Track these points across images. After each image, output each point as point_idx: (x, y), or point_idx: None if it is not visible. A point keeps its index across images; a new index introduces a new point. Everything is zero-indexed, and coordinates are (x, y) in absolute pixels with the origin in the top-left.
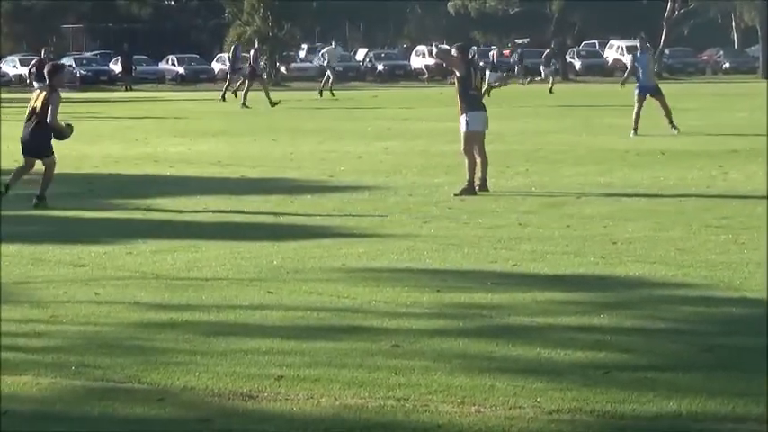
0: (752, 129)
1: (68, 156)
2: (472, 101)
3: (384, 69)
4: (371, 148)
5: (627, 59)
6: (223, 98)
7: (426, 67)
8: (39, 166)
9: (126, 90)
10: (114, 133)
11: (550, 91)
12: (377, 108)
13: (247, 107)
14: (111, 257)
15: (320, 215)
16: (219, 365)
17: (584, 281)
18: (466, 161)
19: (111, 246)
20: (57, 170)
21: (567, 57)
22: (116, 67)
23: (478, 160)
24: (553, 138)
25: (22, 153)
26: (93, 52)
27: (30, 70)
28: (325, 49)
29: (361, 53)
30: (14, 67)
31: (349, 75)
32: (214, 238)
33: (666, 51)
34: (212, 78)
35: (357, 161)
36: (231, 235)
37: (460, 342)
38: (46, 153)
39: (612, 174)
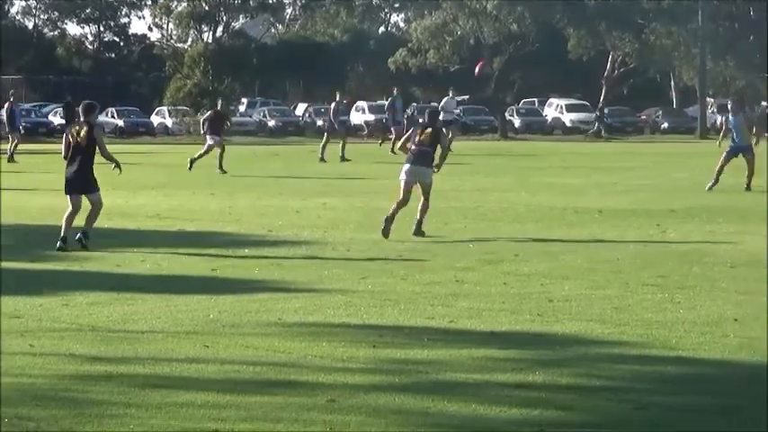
0: (689, 189)
1: (6, 206)
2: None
3: (323, 125)
4: (310, 203)
5: (566, 118)
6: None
7: (366, 122)
8: None
9: None
10: (53, 184)
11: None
12: (316, 164)
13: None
14: (46, 309)
15: (257, 269)
16: (154, 418)
17: (520, 338)
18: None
19: (47, 297)
20: None
21: (507, 114)
22: (55, 118)
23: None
24: (492, 195)
25: (69, 192)
26: (33, 104)
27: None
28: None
29: (300, 108)
30: None
31: (288, 129)
32: (151, 290)
33: (606, 110)
34: (151, 131)
35: (295, 216)
36: (168, 288)
37: (396, 398)
38: (92, 189)
39: (550, 232)
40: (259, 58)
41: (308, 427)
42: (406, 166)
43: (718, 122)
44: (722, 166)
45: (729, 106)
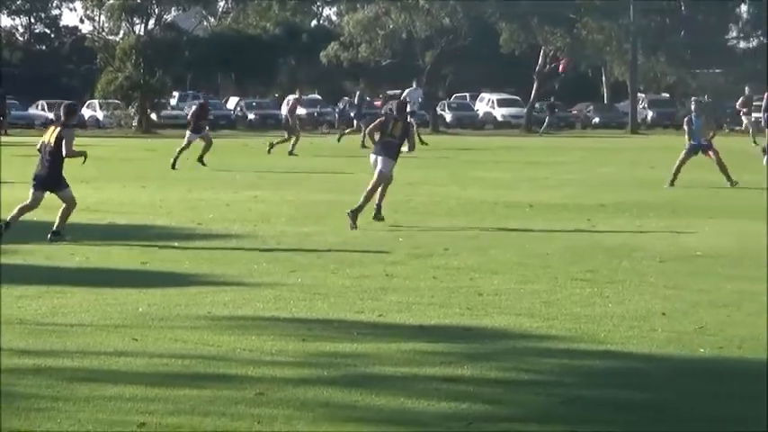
0: (620, 183)
1: None
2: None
3: (255, 118)
4: (241, 197)
5: (498, 112)
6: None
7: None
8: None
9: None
10: None
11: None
12: (247, 157)
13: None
14: None
15: (187, 263)
16: (82, 412)
17: (449, 332)
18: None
19: None
20: None
21: (438, 109)
22: None
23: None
24: (423, 189)
25: (37, 189)
26: None
27: None
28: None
29: (232, 102)
30: None
31: (220, 123)
32: (80, 284)
33: (537, 105)
34: (82, 124)
35: (226, 209)
36: (97, 281)
37: (325, 391)
38: (62, 186)
39: (481, 226)
40: (191, 51)
41: (235, 420)
42: (373, 157)
43: (684, 123)
44: (681, 164)
45: (693, 107)
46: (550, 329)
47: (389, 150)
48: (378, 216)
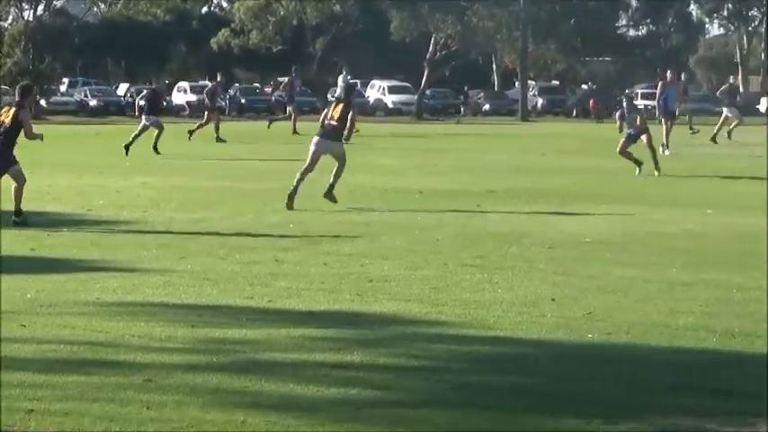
0: (510, 170)
1: None
2: None
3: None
4: (130, 183)
5: (388, 99)
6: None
7: (188, 103)
8: None
9: None
10: None
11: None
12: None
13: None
14: None
15: (76, 249)
16: None
17: (339, 318)
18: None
19: None
20: None
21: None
22: None
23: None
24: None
25: None
26: None
27: None
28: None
29: (122, 88)
30: None
31: (110, 109)
32: None
33: (428, 92)
34: None
35: (115, 195)
36: None
37: (214, 377)
38: (12, 164)
39: (370, 212)
40: (81, 37)
41: (124, 406)
42: (316, 139)
43: (620, 115)
44: (628, 151)
45: (624, 103)
46: (440, 315)
47: (330, 133)
48: (329, 195)
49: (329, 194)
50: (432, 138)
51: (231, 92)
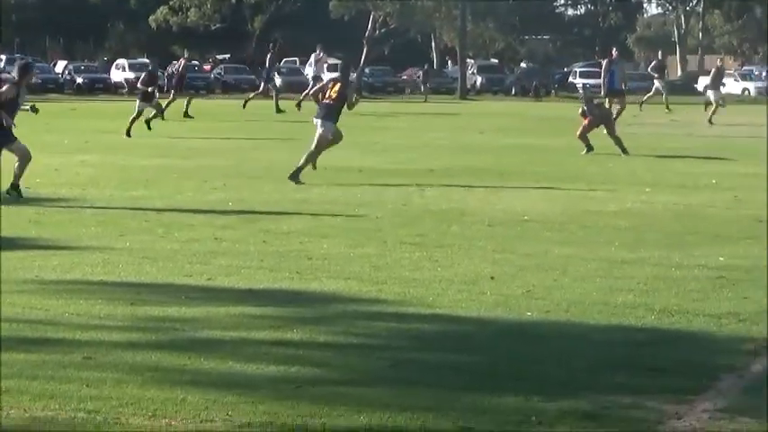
0: (449, 148)
1: None
2: None
3: (84, 82)
4: (69, 161)
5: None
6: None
7: (126, 80)
8: None
9: None
10: None
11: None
12: (75, 121)
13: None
14: None
15: (15, 227)
16: None
17: (278, 296)
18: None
19: None
20: None
21: (275, 74)
22: None
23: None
24: (253, 154)
25: None
26: None
27: None
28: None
29: (60, 65)
30: None
31: (48, 87)
32: None
33: (367, 70)
34: None
35: (54, 173)
36: None
37: (153, 355)
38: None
39: (310, 190)
40: (18, 14)
41: (64, 383)
42: (314, 120)
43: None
44: (586, 136)
45: (585, 105)
46: (380, 293)
47: (327, 112)
48: (296, 177)
49: (294, 176)
50: (371, 116)
51: (170, 69)
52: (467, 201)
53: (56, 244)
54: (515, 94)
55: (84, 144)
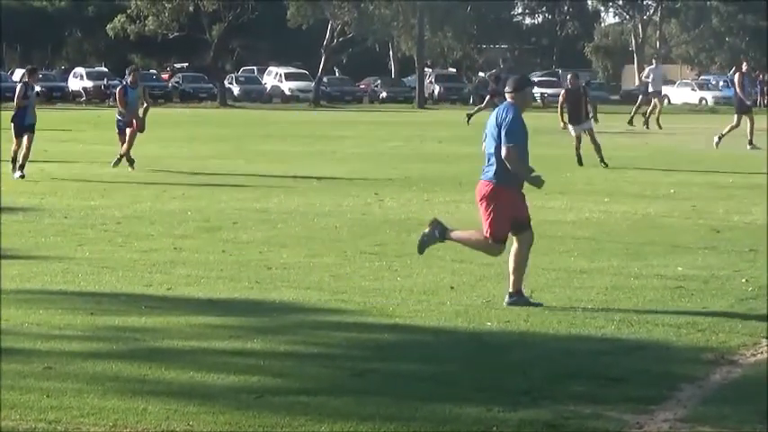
0: (407, 158)
1: None
2: None
3: (41, 91)
4: (28, 169)
5: (285, 86)
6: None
7: (84, 89)
8: None
9: None
10: None
11: None
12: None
13: None
14: None
15: None
16: None
17: (238, 305)
18: None
19: None
20: None
21: (226, 82)
22: None
23: None
24: (211, 163)
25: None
26: None
27: None
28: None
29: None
30: None
31: (5, 96)
32: None
33: (325, 79)
34: None
35: (12, 182)
36: None
37: (113, 365)
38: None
39: (268, 199)
40: None
41: (24, 394)
42: None
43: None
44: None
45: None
46: (340, 303)
47: None
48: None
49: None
50: (329, 125)
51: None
52: (425, 210)
53: (15, 253)
54: (473, 103)
55: (43, 153)
